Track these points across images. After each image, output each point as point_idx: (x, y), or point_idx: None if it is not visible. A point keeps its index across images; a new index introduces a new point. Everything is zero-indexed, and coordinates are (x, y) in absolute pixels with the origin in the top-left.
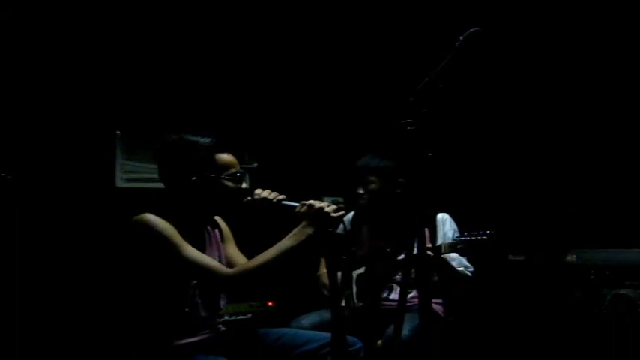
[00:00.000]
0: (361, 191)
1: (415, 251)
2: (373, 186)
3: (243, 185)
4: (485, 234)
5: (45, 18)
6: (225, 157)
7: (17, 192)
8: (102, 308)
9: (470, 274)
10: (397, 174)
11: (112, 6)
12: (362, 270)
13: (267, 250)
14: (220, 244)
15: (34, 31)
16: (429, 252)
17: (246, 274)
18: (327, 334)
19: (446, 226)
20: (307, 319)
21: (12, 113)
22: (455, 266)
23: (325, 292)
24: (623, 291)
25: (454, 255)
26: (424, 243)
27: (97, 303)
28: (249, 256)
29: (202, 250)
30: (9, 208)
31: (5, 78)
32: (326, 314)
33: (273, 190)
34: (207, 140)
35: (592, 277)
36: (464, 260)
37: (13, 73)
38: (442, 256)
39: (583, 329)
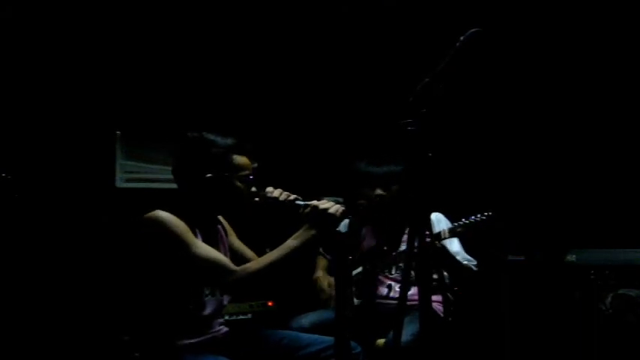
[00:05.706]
0: (381, 192)
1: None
2: (394, 188)
3: (253, 189)
4: (484, 215)
5: (45, 18)
6: (241, 158)
7: (17, 192)
8: (103, 308)
9: (474, 268)
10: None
11: (112, 6)
12: (359, 269)
13: (273, 251)
14: (226, 241)
15: (34, 31)
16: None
17: (254, 275)
18: (329, 338)
19: (441, 224)
20: (307, 319)
21: (12, 113)
22: (460, 260)
23: (322, 297)
24: (623, 291)
25: (457, 249)
26: (424, 242)
27: (98, 303)
28: (259, 254)
29: (215, 247)
30: (9, 208)
31: (5, 78)
32: (325, 314)
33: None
34: (225, 140)
35: (592, 277)
36: (467, 255)
37: (13, 73)
38: (443, 244)
39: (583, 329)
